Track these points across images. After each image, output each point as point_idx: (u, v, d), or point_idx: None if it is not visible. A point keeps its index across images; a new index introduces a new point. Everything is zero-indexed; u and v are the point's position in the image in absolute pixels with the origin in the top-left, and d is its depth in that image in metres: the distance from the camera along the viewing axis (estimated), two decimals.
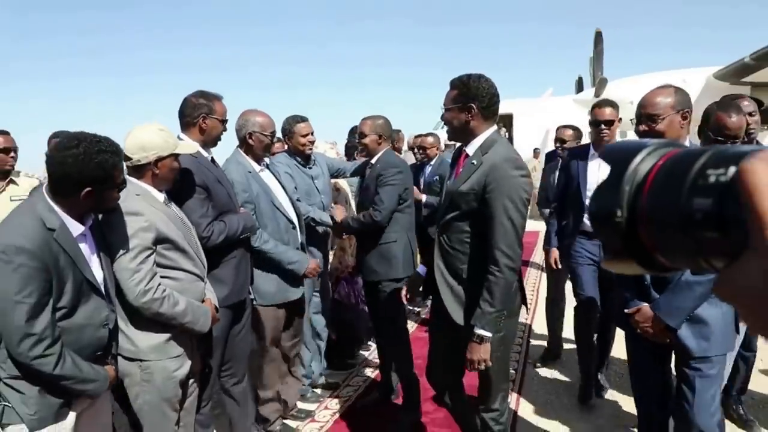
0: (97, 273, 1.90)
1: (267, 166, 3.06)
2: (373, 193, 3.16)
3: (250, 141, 2.95)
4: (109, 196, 1.87)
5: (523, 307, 2.34)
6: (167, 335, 2.15)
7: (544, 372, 4.00)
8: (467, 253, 2.20)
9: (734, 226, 0.37)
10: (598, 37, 14.02)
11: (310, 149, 3.47)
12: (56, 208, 1.77)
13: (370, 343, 4.53)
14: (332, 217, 3.38)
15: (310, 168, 3.51)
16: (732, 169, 0.38)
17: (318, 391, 3.76)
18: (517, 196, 2.07)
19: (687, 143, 2.94)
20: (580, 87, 16.83)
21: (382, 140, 3.22)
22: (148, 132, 2.23)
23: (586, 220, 3.33)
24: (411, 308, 5.22)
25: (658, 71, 13.63)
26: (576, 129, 4.31)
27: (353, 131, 4.73)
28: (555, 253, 3.78)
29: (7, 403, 1.67)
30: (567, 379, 3.84)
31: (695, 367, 2.07)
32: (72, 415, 1.83)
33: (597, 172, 3.31)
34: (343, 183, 4.20)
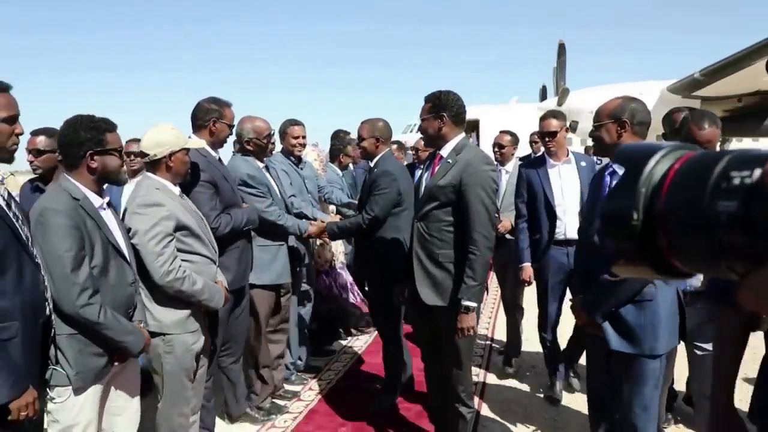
0: (120, 242, 2.17)
1: (266, 167, 3.36)
2: (366, 199, 3.33)
3: (248, 147, 3.27)
4: (111, 162, 2.12)
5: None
6: (187, 312, 2.43)
7: (506, 379, 4.03)
8: (443, 240, 2.57)
9: (761, 228, 0.36)
10: (561, 49, 14.66)
11: (300, 151, 3.79)
12: (77, 183, 2.06)
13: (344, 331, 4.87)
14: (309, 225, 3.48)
15: (301, 168, 3.82)
16: (758, 171, 0.37)
17: (302, 374, 4.05)
18: (489, 186, 2.50)
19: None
20: (544, 95, 17.50)
21: (380, 143, 3.35)
22: (161, 130, 2.53)
23: (558, 228, 3.44)
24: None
25: (616, 83, 14.38)
26: (513, 135, 4.34)
27: (336, 135, 4.98)
28: (529, 270, 3.63)
29: (55, 367, 1.92)
30: (526, 385, 3.99)
31: (621, 364, 2.18)
32: (108, 378, 2.10)
33: (559, 179, 3.48)
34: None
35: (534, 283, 3.70)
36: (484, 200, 2.47)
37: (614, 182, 2.14)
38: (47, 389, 1.94)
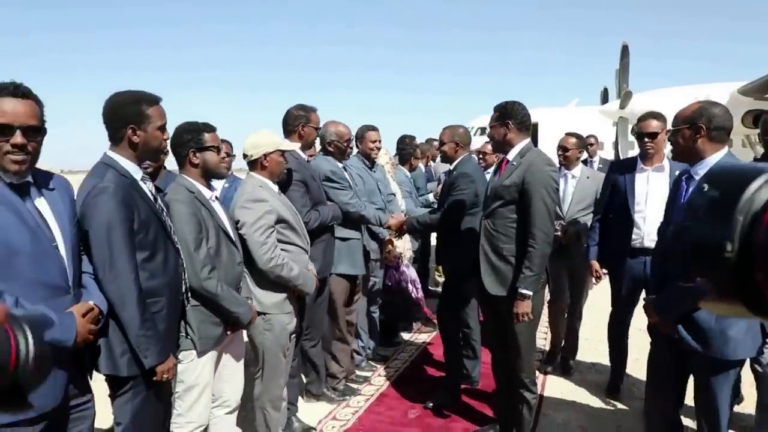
0: (229, 228, 2.50)
1: (344, 168, 3.68)
2: (445, 199, 3.60)
3: (329, 148, 3.60)
4: (210, 158, 2.43)
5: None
6: (284, 295, 2.76)
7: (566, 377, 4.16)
8: (508, 235, 2.80)
9: None
10: (625, 50, 14.38)
11: (376, 154, 4.11)
12: (189, 178, 2.40)
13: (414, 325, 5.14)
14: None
15: (374, 171, 4.11)
16: None
17: (371, 362, 4.34)
18: (550, 186, 2.72)
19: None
20: (605, 98, 17.16)
21: (459, 148, 3.60)
22: (259, 135, 2.88)
23: (634, 235, 3.38)
24: None
25: (682, 85, 13.99)
26: (580, 137, 4.18)
27: (402, 140, 5.32)
28: (596, 265, 3.68)
29: (183, 333, 2.28)
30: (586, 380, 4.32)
31: (698, 365, 2.28)
32: (222, 346, 2.46)
33: (645, 185, 3.38)
34: (395, 187, 4.77)
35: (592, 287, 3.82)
36: (545, 198, 2.69)
37: (691, 188, 2.23)
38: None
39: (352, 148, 3.77)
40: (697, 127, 2.21)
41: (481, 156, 5.17)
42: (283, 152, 2.87)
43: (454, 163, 3.60)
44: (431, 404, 3.58)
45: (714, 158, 2.21)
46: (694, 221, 0.45)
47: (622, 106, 13.21)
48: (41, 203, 1.76)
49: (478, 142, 8.31)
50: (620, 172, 3.56)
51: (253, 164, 2.83)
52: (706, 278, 0.42)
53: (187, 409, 2.37)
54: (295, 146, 3.10)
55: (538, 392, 3.20)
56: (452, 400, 3.62)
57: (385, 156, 4.65)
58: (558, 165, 3.77)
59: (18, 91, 1.65)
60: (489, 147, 5.11)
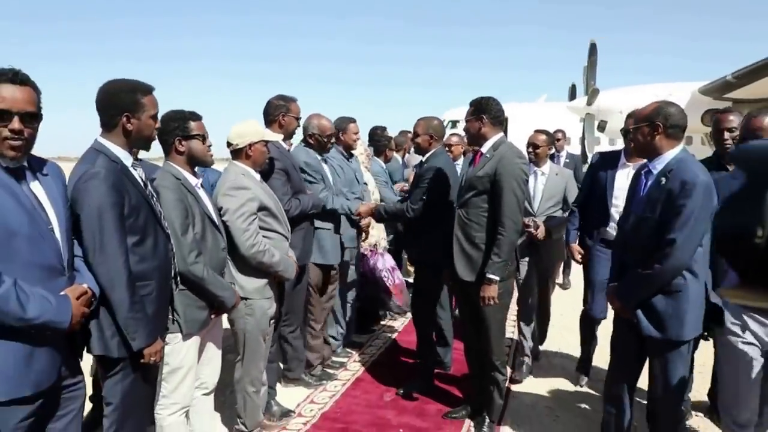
0: (213, 214, 2.56)
1: (324, 160, 3.76)
2: (414, 190, 3.59)
3: (310, 140, 3.68)
4: (196, 146, 2.49)
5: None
6: (265, 281, 2.84)
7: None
8: (480, 223, 2.96)
9: None
10: (593, 48, 14.73)
11: (356, 145, 4.22)
12: (175, 165, 2.47)
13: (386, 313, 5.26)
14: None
15: (351, 162, 4.20)
16: None
17: (347, 349, 4.45)
18: (520, 177, 2.88)
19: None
20: (573, 94, 17.55)
21: (433, 140, 3.61)
22: (243, 125, 2.95)
23: (609, 228, 3.46)
24: None
25: (646, 83, 14.44)
26: (549, 134, 4.24)
27: (375, 132, 5.36)
28: (576, 248, 3.77)
29: (172, 316, 2.33)
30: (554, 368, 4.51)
31: (653, 348, 2.43)
32: (205, 330, 2.52)
33: (625, 181, 3.28)
34: (368, 177, 4.86)
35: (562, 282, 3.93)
36: (515, 189, 2.86)
37: (649, 182, 2.38)
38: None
39: (332, 143, 3.83)
40: (655, 125, 2.37)
41: (447, 148, 5.24)
42: (266, 142, 2.94)
43: (427, 155, 3.63)
44: (403, 391, 3.66)
45: (670, 154, 2.37)
46: (721, 207, 0.34)
47: (589, 103, 13.56)
48: (36, 187, 1.80)
49: (447, 134, 8.46)
50: (603, 165, 3.64)
51: (237, 153, 2.89)
52: (731, 265, 0.36)
53: (172, 390, 2.43)
54: (278, 137, 3.17)
55: (508, 375, 3.35)
56: (426, 386, 3.72)
57: (360, 147, 4.73)
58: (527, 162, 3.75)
59: (17, 77, 1.69)
60: (453, 139, 5.20)
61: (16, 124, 1.68)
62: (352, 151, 4.24)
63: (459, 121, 16.11)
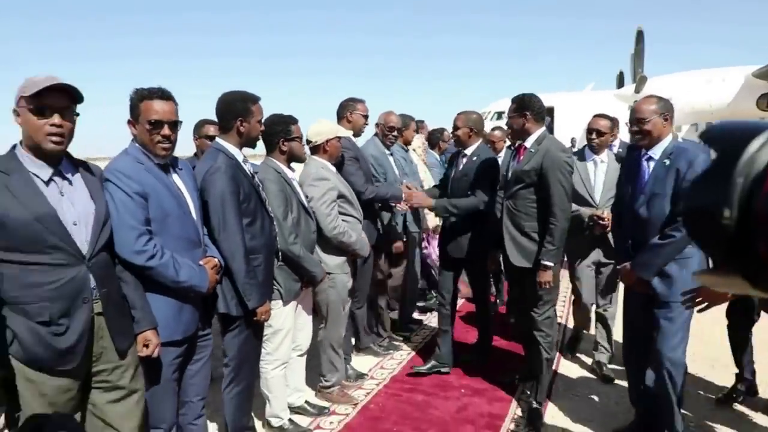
0: (305, 203, 3.02)
1: (391, 154, 4.23)
2: (472, 183, 3.61)
3: (377, 131, 4.13)
4: (296, 146, 2.98)
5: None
6: (344, 258, 3.30)
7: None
8: (528, 214, 3.17)
9: None
10: (640, 36, 14.65)
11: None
12: (276, 161, 2.92)
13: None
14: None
15: (390, 153, 4.49)
16: None
17: (410, 325, 4.86)
18: (564, 169, 3.08)
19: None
20: (620, 82, 17.41)
21: (473, 134, 3.72)
22: (320, 123, 3.40)
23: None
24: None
25: (697, 68, 14.24)
26: (612, 119, 3.99)
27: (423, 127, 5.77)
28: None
29: (274, 286, 2.81)
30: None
31: (663, 309, 2.62)
32: (299, 299, 3.00)
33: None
34: (424, 169, 5.24)
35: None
36: (561, 181, 3.05)
37: (651, 166, 2.66)
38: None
39: (396, 137, 4.24)
40: (665, 116, 2.65)
41: (488, 143, 5.36)
42: (340, 138, 3.39)
43: (470, 149, 3.69)
44: (462, 359, 3.98)
45: (666, 140, 2.66)
46: (690, 186, 0.41)
47: (638, 90, 13.52)
48: (177, 179, 2.29)
49: (491, 126, 8.68)
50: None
51: (316, 149, 3.34)
52: (702, 247, 0.39)
53: (275, 349, 2.92)
54: (348, 132, 3.61)
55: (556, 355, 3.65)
56: (485, 357, 4.02)
57: (418, 140, 5.14)
58: (587, 149, 3.89)
59: (164, 94, 2.17)
60: (496, 134, 5.25)
61: (166, 131, 2.17)
62: (410, 147, 4.67)
63: (504, 113, 16.25)
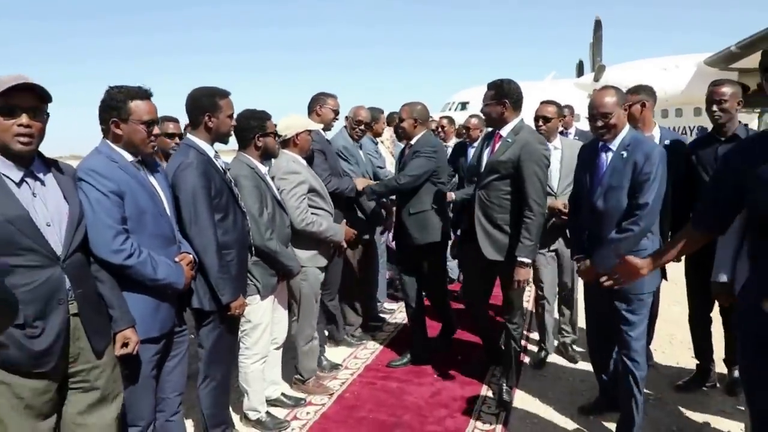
0: (279, 198, 3.05)
1: (360, 146, 4.28)
2: (407, 164, 3.65)
3: (346, 124, 4.16)
4: (270, 142, 3.00)
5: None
6: (316, 251, 3.33)
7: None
8: (501, 206, 3.08)
9: None
10: (598, 25, 15.00)
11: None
12: (249, 157, 2.92)
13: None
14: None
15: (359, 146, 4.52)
16: None
17: (380, 314, 4.94)
18: (542, 162, 3.03)
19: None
20: (580, 71, 17.79)
21: (418, 124, 3.68)
22: (290, 118, 3.42)
23: None
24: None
25: (651, 57, 14.67)
26: (558, 105, 3.95)
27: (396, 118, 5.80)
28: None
29: (251, 280, 2.82)
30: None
31: (624, 303, 2.63)
32: (274, 293, 3.02)
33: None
34: (391, 160, 5.31)
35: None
36: (538, 174, 2.98)
37: (608, 158, 2.64)
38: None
39: (363, 131, 4.28)
40: (625, 107, 2.65)
41: (464, 130, 5.40)
42: (310, 131, 3.41)
43: (414, 139, 3.69)
44: (435, 346, 4.04)
45: (624, 131, 2.64)
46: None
47: (596, 79, 13.87)
48: (151, 178, 2.28)
49: (460, 116, 8.77)
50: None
51: (286, 142, 3.35)
52: None
53: (254, 343, 2.95)
54: (318, 126, 3.63)
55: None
56: (447, 346, 4.10)
57: (387, 132, 5.20)
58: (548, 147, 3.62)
59: (149, 93, 2.18)
60: (473, 121, 5.27)
61: (156, 129, 2.19)
62: (379, 139, 4.73)
63: (468, 103, 16.45)
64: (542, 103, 3.91)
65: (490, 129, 3.41)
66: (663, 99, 13.76)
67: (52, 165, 1.93)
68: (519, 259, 2.99)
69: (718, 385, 3.43)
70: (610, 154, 2.66)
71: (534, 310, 4.24)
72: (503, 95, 3.06)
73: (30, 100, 1.77)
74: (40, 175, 1.85)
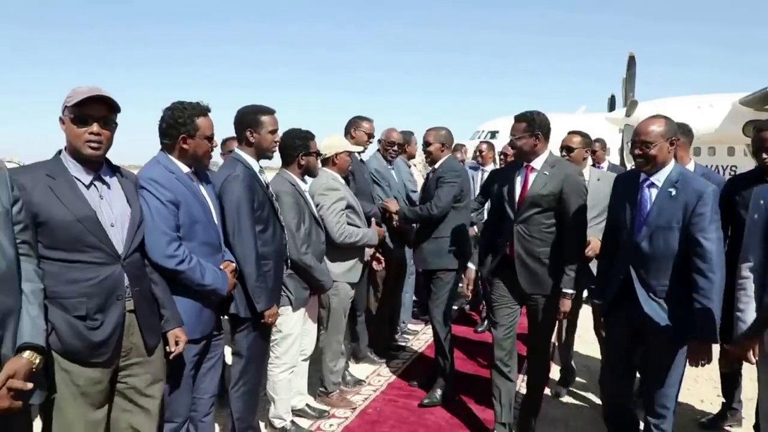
0: (316, 215, 3.19)
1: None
2: (432, 192, 3.70)
3: (379, 147, 4.32)
4: (313, 161, 3.17)
5: None
6: (349, 266, 3.45)
7: None
8: (543, 240, 2.97)
9: None
10: (631, 61, 15.00)
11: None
12: (291, 174, 3.09)
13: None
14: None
15: (391, 167, 4.61)
16: None
17: (405, 335, 5.02)
18: (584, 194, 3.01)
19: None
20: (612, 105, 17.76)
21: (445, 148, 3.77)
22: (332, 138, 3.61)
23: None
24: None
25: (686, 95, 14.60)
26: (585, 135, 3.91)
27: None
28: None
29: (284, 292, 2.94)
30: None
31: (667, 346, 2.45)
32: (305, 307, 3.14)
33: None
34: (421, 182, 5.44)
35: None
36: (581, 206, 2.96)
37: (653, 194, 2.48)
38: None
39: (396, 152, 4.44)
40: (672, 141, 2.48)
41: (501, 156, 5.38)
42: (350, 153, 3.56)
43: (438, 163, 3.75)
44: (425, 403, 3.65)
45: (670, 166, 2.49)
46: None
47: (628, 114, 13.82)
48: (202, 188, 2.43)
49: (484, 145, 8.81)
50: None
51: (326, 161, 3.51)
52: None
53: (283, 353, 3.06)
54: (358, 148, 3.79)
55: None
56: (449, 393, 3.76)
57: (419, 156, 5.33)
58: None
59: (209, 109, 2.37)
60: (484, 146, 5.56)
61: (214, 142, 2.37)
62: (412, 161, 4.87)
63: (498, 132, 16.54)
64: (569, 133, 3.95)
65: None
66: (696, 137, 13.53)
67: (116, 170, 2.09)
68: (564, 290, 2.94)
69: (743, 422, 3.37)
70: (654, 191, 2.50)
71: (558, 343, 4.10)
72: (536, 127, 2.98)
73: (101, 110, 1.93)
74: (107, 179, 2.01)
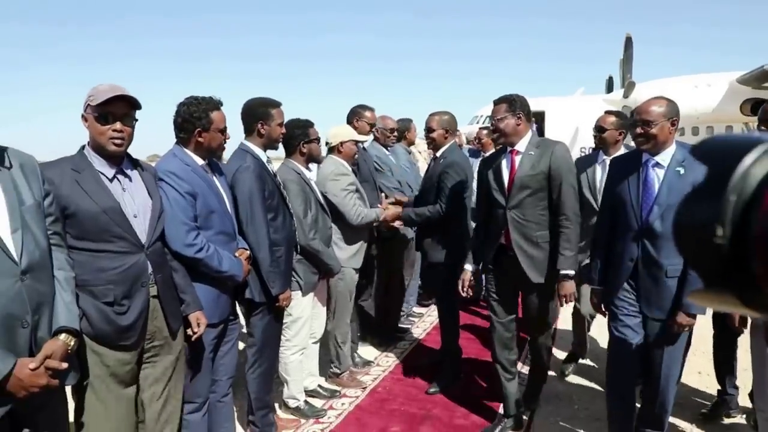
0: (322, 201, 3.30)
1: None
2: (436, 186, 3.54)
3: (377, 134, 4.40)
4: (315, 148, 3.27)
5: None
6: (354, 251, 3.57)
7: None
8: (539, 222, 2.86)
9: None
10: (628, 42, 15.00)
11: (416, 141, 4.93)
12: (295, 162, 3.19)
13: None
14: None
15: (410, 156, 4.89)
16: None
17: (411, 318, 5.15)
18: (573, 169, 2.93)
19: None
20: (610, 87, 17.78)
21: (449, 134, 3.63)
22: (338, 127, 3.70)
23: None
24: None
25: (684, 74, 14.63)
26: (621, 115, 3.73)
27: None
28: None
29: (294, 277, 3.06)
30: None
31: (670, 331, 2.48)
32: (314, 291, 3.26)
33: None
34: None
35: None
36: (571, 182, 2.85)
37: (661, 174, 2.46)
38: None
39: (394, 138, 4.53)
40: (673, 121, 2.47)
41: (477, 141, 5.44)
42: (356, 142, 3.66)
43: (441, 150, 3.61)
44: (432, 391, 3.63)
45: (673, 146, 2.48)
46: (681, 201, 0.39)
47: (626, 96, 13.87)
48: (215, 178, 2.54)
49: (484, 131, 8.78)
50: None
51: (332, 149, 3.62)
52: (692, 266, 0.39)
53: (294, 335, 3.19)
54: (364, 138, 3.88)
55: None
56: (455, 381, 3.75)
57: (422, 144, 5.41)
58: (593, 148, 3.72)
59: (221, 103, 2.47)
60: (485, 133, 5.17)
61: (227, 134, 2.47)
62: (415, 147, 4.95)
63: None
64: (606, 112, 3.75)
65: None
66: (694, 117, 13.73)
67: (137, 164, 2.20)
68: (562, 272, 2.79)
69: (743, 419, 3.31)
70: (660, 171, 2.48)
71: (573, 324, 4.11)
72: (516, 107, 2.89)
73: (123, 108, 2.04)
74: (128, 173, 2.12)
